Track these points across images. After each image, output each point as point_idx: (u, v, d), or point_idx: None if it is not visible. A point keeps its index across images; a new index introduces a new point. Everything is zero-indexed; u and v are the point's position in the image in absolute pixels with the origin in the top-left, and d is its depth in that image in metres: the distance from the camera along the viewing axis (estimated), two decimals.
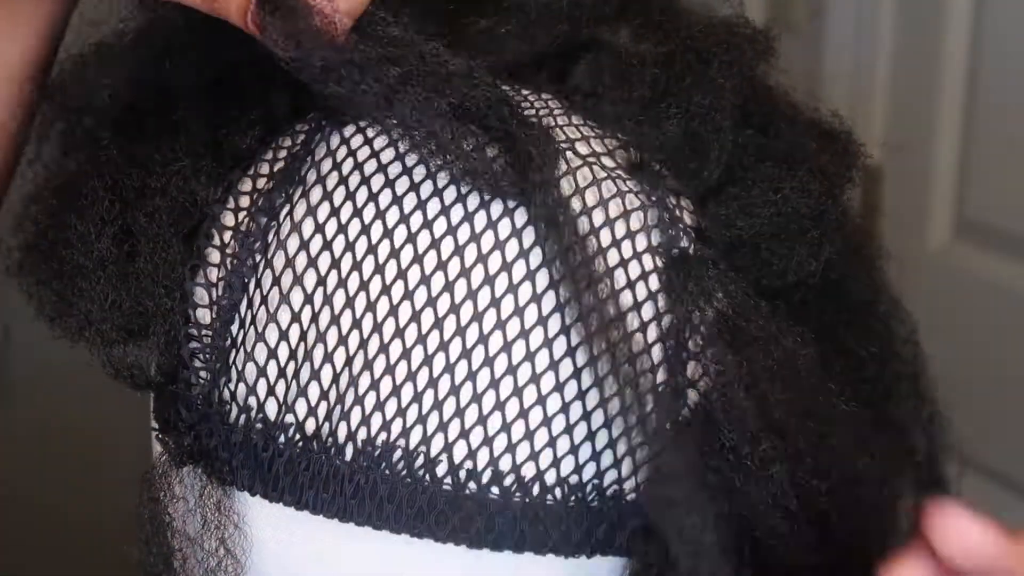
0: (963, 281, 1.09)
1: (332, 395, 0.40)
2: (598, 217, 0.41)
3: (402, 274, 0.40)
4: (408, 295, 0.40)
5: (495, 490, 0.40)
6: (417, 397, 0.40)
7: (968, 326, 1.08)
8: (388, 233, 0.40)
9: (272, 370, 0.41)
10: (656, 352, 0.41)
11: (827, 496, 0.42)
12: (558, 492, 0.41)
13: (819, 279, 0.46)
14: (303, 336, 0.41)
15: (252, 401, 0.41)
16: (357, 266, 0.40)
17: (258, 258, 0.42)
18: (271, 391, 0.41)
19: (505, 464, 0.40)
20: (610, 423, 0.41)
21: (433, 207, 0.40)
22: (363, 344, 0.40)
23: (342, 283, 0.40)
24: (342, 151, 0.42)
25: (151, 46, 0.46)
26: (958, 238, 1.11)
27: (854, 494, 0.43)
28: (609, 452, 0.41)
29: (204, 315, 0.43)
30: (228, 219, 0.43)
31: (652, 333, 0.41)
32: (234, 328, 0.42)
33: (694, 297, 0.41)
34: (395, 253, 0.40)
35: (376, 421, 0.40)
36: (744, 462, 0.41)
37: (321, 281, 0.40)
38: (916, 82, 1.11)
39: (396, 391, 0.40)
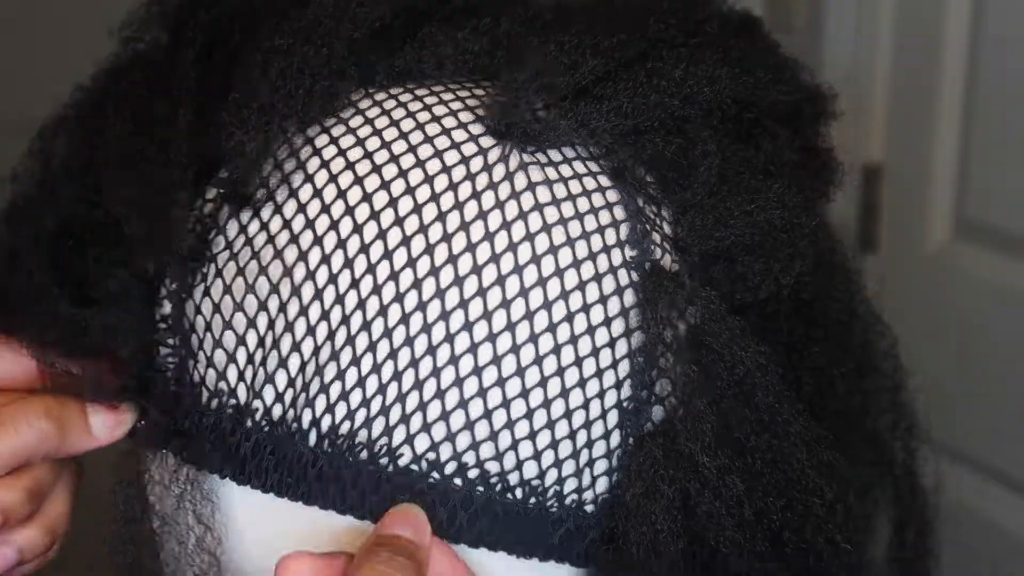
0: (963, 281, 1.09)
1: (298, 383, 0.41)
2: (574, 229, 0.41)
3: (371, 268, 0.41)
4: (377, 290, 0.40)
5: (458, 482, 0.41)
6: (382, 389, 0.40)
7: (968, 326, 1.08)
8: (358, 228, 0.41)
9: (241, 356, 0.42)
10: (623, 367, 0.42)
11: (781, 513, 0.42)
12: (519, 492, 0.41)
13: (792, 299, 0.46)
14: (271, 325, 0.41)
15: (223, 386, 0.42)
16: (326, 259, 0.41)
17: (221, 247, 0.43)
18: (241, 377, 0.42)
19: (470, 458, 0.41)
20: (574, 434, 0.42)
21: (400, 192, 0.41)
22: (331, 335, 0.41)
23: (310, 275, 0.41)
24: (306, 150, 0.43)
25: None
26: (958, 238, 1.11)
27: (809, 512, 0.43)
28: (571, 461, 0.42)
29: (167, 304, 0.44)
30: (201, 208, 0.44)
31: (621, 348, 0.42)
32: (201, 314, 0.43)
33: (667, 313, 0.42)
34: (365, 248, 0.41)
35: (340, 409, 0.41)
36: (701, 471, 0.41)
37: (287, 272, 0.41)
38: (916, 82, 1.11)
39: (361, 382, 0.40)
